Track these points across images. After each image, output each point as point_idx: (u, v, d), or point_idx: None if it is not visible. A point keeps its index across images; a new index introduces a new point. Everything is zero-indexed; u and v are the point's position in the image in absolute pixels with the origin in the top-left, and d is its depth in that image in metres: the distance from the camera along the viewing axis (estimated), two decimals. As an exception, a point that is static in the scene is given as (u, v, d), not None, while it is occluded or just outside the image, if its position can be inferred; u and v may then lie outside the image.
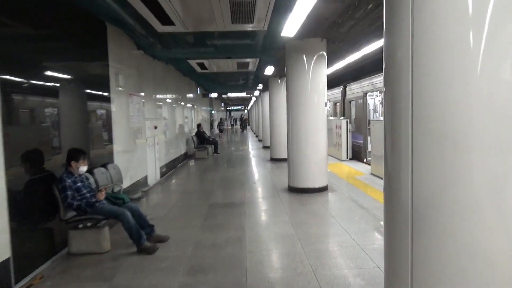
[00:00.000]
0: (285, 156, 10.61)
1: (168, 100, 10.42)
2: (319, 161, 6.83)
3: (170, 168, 10.19)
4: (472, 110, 1.56)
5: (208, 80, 13.96)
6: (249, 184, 8.08)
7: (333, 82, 12.54)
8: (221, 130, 26.03)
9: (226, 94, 20.29)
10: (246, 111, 47.35)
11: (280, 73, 11.20)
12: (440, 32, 1.65)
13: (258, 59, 9.32)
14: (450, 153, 1.62)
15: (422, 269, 1.77)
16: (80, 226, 4.05)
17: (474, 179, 1.57)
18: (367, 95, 10.66)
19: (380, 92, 10.12)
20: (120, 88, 6.24)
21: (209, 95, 18.86)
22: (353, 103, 12.00)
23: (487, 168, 1.56)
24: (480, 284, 1.60)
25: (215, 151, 14.52)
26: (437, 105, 1.66)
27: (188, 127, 13.90)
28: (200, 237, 4.56)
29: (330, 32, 6.26)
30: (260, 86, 15.36)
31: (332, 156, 11.52)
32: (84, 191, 4.07)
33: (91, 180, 4.72)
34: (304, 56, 6.72)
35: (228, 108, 48.99)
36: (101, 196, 4.10)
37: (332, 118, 13.24)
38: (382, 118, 9.13)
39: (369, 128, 10.03)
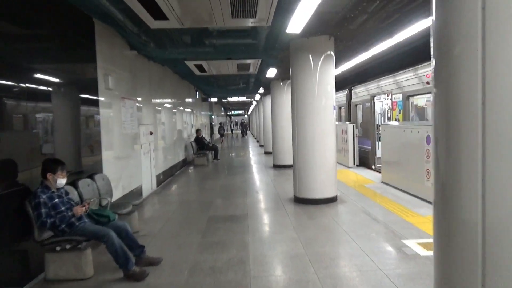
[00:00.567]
0: (288, 162, 10.19)
1: (165, 105, 9.92)
2: (328, 169, 6.29)
3: (167, 176, 9.67)
4: None
5: (207, 84, 13.46)
6: (252, 194, 7.53)
7: (337, 85, 12.07)
8: (221, 135, 25.62)
9: (226, 98, 19.82)
10: (246, 115, 46.93)
11: (283, 76, 10.71)
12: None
13: (259, 61, 8.81)
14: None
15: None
16: (58, 248, 3.50)
17: None
18: (375, 98, 10.19)
19: (387, 95, 9.67)
20: (111, 91, 5.71)
21: (209, 100, 18.41)
22: (359, 106, 11.54)
23: None
24: None
25: (215, 157, 14.04)
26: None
27: (187, 132, 13.41)
28: (198, 258, 4.01)
29: (338, 28, 5.76)
30: (261, 90, 14.86)
31: (338, 163, 10.97)
32: (62, 208, 3.50)
33: (75, 194, 4.17)
34: (310, 56, 6.21)
35: (228, 113, 48.55)
36: (79, 211, 3.52)
37: (337, 122, 12.76)
38: (391, 123, 8.76)
39: (378, 133, 9.54)
